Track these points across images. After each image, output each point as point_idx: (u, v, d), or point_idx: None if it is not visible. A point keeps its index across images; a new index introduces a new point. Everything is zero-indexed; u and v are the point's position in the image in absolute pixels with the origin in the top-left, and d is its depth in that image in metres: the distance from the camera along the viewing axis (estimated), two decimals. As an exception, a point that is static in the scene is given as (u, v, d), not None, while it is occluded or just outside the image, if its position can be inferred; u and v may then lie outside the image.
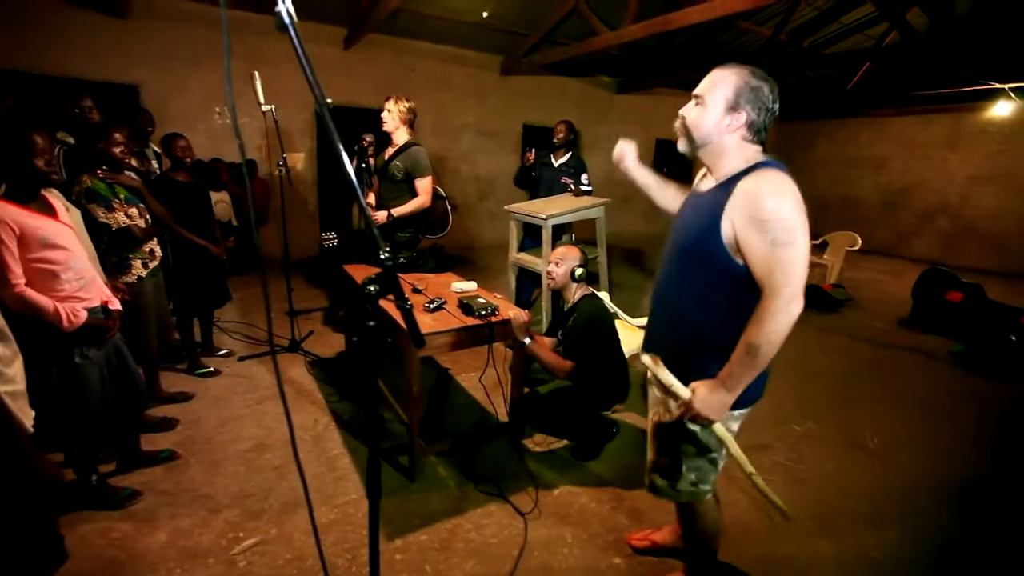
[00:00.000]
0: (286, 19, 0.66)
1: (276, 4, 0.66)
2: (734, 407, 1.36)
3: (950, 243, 8.66)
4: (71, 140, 2.89)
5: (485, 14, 4.12)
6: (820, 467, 2.54)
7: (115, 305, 1.91)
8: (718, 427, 1.33)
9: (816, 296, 5.53)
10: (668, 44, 6.69)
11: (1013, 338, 4.16)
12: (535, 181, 4.33)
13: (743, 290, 1.25)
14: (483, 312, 2.26)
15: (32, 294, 1.58)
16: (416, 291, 2.61)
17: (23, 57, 4.61)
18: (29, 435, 1.15)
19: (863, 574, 1.90)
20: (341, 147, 0.83)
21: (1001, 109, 7.60)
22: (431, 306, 2.35)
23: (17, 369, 1.21)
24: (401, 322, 0.88)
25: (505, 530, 2.01)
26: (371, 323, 0.87)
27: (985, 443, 2.87)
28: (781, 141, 11.16)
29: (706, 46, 6.96)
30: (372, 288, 0.84)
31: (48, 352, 1.62)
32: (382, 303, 2.29)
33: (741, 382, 1.25)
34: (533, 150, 4.32)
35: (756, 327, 1.19)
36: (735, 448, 1.36)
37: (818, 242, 6.76)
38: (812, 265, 6.38)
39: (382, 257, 0.77)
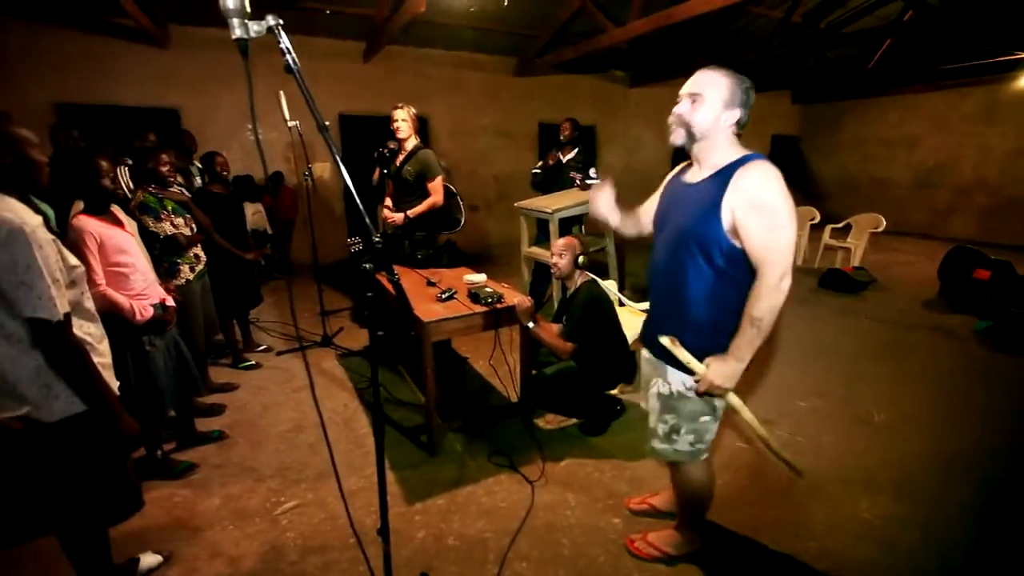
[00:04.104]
0: (292, 65, 0.88)
1: (285, 54, 0.88)
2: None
3: (989, 221, 8.35)
4: (130, 162, 3.27)
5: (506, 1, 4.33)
6: (819, 440, 2.63)
7: (170, 302, 2.21)
8: (731, 396, 1.49)
9: (836, 279, 5.51)
10: (679, 35, 6.73)
11: (1041, 313, 4.09)
12: (550, 179, 4.52)
13: (743, 270, 1.40)
14: (489, 300, 2.47)
15: (111, 293, 1.90)
16: (430, 284, 2.84)
17: (78, 90, 5.12)
18: (116, 396, 1.44)
19: (852, 533, 2.00)
20: (340, 162, 1.05)
21: (1034, 79, 7.30)
22: (443, 296, 2.58)
23: (106, 346, 1.51)
24: (393, 291, 1.08)
25: (514, 495, 2.21)
26: (370, 294, 1.10)
27: (997, 417, 2.88)
28: (805, 124, 10.95)
29: (718, 34, 6.96)
30: (368, 266, 1.06)
31: (123, 341, 1.93)
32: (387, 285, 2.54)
33: (750, 352, 1.40)
34: (557, 152, 4.48)
35: (756, 302, 1.35)
36: (747, 413, 1.52)
37: (841, 225, 6.69)
38: (834, 248, 6.35)
39: (373, 240, 0.98)
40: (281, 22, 0.89)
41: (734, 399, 1.50)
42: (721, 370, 1.42)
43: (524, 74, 7.58)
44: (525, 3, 5.58)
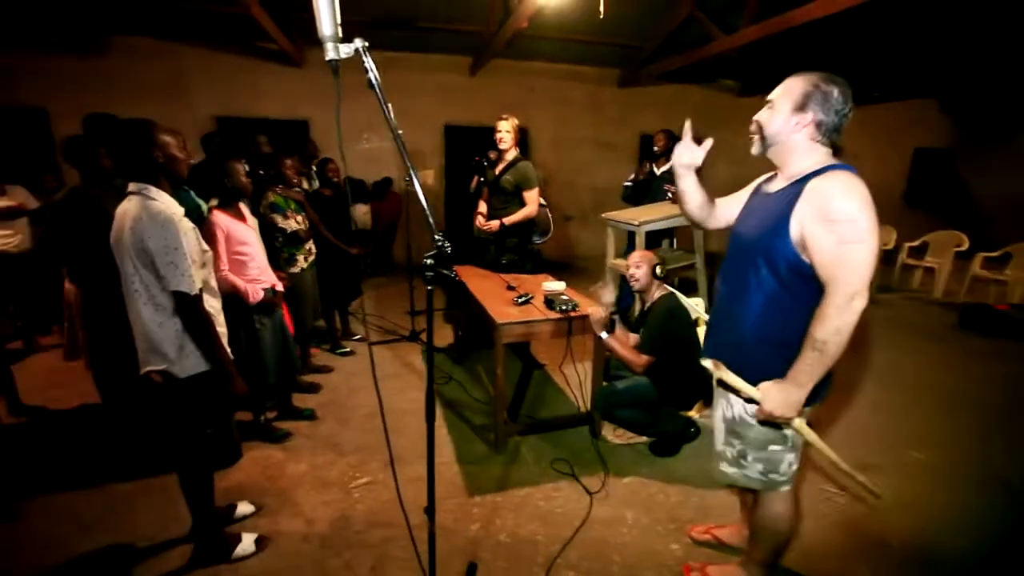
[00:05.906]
0: (374, 82, 1.00)
1: (367, 72, 1.00)
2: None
3: None
4: (247, 167, 3.79)
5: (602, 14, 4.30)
6: (931, 497, 2.28)
7: (279, 287, 2.53)
8: (798, 422, 1.35)
9: (984, 316, 4.69)
10: (795, 40, 6.21)
11: None
12: (641, 191, 4.43)
13: (810, 288, 1.28)
14: (564, 307, 2.49)
15: (232, 277, 2.24)
16: (510, 288, 2.93)
17: (233, 105, 6.05)
18: (232, 360, 1.70)
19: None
20: (416, 175, 1.16)
21: None
22: (520, 300, 2.64)
23: (223, 319, 1.81)
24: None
25: (571, 504, 2.20)
26: (429, 287, 1.19)
27: None
28: (959, 136, 9.47)
29: (840, 37, 6.31)
30: (430, 262, 1.17)
31: (238, 318, 2.25)
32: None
33: (811, 378, 1.27)
34: (648, 164, 4.38)
35: (821, 323, 1.22)
36: (813, 437, 1.36)
37: (998, 254, 5.70)
38: (986, 280, 5.42)
39: (436, 239, 1.08)
40: (367, 44, 1.01)
41: (800, 424, 1.35)
42: (777, 397, 1.30)
43: (628, 85, 7.48)
44: (629, 14, 5.53)
